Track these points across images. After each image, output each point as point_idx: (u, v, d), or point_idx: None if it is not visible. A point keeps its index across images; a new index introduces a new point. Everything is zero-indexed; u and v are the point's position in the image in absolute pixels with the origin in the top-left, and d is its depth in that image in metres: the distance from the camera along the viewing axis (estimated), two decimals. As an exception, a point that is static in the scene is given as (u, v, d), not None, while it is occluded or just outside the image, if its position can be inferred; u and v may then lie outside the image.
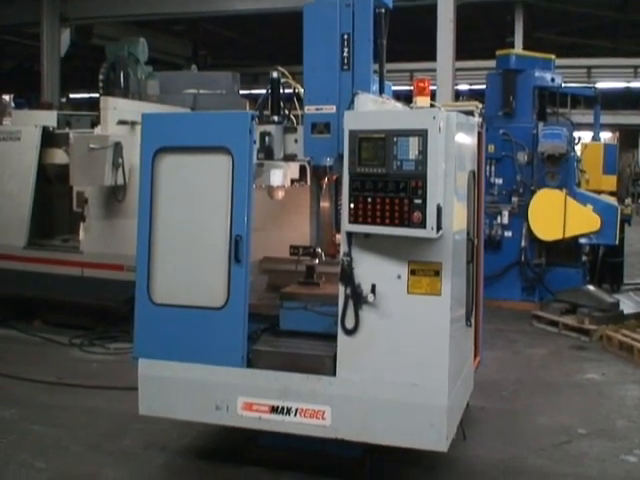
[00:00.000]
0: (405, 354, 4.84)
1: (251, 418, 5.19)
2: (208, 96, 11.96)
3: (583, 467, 5.82)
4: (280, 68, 5.67)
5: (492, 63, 12.67)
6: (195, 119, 5.69)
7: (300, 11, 5.33)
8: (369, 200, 4.74)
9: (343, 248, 4.95)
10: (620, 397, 7.47)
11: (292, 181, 5.80)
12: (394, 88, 6.81)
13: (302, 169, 5.92)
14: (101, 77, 13.41)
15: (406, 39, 20.53)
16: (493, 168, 11.47)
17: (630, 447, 6.14)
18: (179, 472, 5.76)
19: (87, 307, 9.65)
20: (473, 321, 5.93)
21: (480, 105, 10.75)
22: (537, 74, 11.75)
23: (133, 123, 9.11)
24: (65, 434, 6.38)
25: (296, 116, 5.70)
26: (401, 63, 20.98)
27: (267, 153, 5.40)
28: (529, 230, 11.25)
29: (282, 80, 5.66)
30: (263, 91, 5.74)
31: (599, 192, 12.11)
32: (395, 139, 4.68)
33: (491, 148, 11.08)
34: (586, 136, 14.98)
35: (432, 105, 5.26)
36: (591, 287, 10.74)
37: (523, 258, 11.33)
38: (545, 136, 11.21)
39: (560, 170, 11.22)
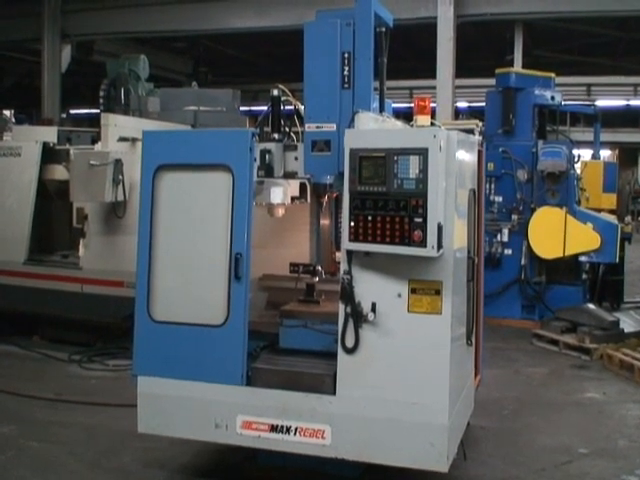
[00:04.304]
0: (405, 373, 4.83)
1: (250, 437, 5.17)
2: (208, 113, 11.98)
3: (584, 487, 5.80)
4: (280, 86, 5.69)
5: (492, 81, 12.69)
6: (196, 136, 5.71)
7: (301, 29, 5.36)
8: (369, 218, 4.75)
9: (343, 266, 4.95)
10: (621, 416, 7.43)
11: (292, 199, 5.81)
12: (394, 105, 6.83)
13: (302, 187, 5.94)
14: (102, 94, 13.48)
15: (406, 57, 20.62)
16: (493, 186, 11.48)
17: (631, 467, 6.09)
18: (178, 491, 5.74)
19: (86, 323, 9.64)
20: (473, 340, 5.92)
21: (480, 123, 10.80)
22: (537, 92, 11.77)
23: (134, 140, 9.11)
24: (64, 451, 6.35)
25: (296, 134, 5.72)
26: (401, 81, 21.02)
27: (267, 171, 5.41)
28: (529, 248, 11.24)
29: (282, 98, 5.67)
30: (263, 108, 5.76)
31: (599, 210, 12.11)
32: (396, 157, 4.69)
33: (491, 166, 11.08)
34: (586, 154, 14.99)
35: (432, 124, 5.27)
36: (591, 305, 10.71)
37: (523, 276, 11.31)
38: (545, 154, 11.22)
39: (560, 188, 11.22)
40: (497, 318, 10.91)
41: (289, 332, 5.46)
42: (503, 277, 11.38)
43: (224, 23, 17.06)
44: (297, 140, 5.68)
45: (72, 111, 27.11)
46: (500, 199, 11.55)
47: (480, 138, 6.66)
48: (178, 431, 5.45)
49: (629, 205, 29.16)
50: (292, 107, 5.79)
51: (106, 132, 9.32)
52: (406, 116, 7.18)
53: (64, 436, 6.70)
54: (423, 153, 4.62)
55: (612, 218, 11.67)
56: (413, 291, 4.81)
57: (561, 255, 10.97)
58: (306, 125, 5.33)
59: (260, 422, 5.13)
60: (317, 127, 5.28)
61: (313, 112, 5.31)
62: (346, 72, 5.26)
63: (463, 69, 15.87)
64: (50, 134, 10.55)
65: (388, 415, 4.86)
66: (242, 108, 14.76)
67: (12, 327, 10.15)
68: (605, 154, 25.32)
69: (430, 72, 15.04)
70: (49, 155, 10.11)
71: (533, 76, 12.24)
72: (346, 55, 5.25)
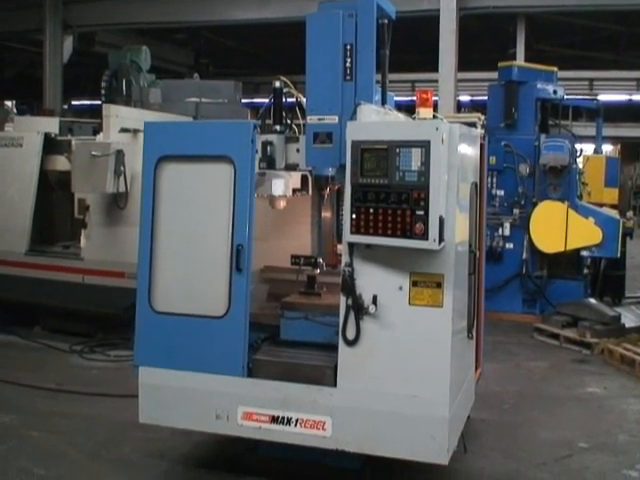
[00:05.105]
0: (406, 365, 4.83)
1: (251, 428, 5.17)
2: (210, 105, 11.96)
3: (584, 481, 5.80)
4: (282, 77, 5.67)
5: (494, 74, 12.67)
6: (197, 128, 5.70)
7: (302, 21, 5.34)
8: (371, 211, 4.74)
9: (344, 258, 4.94)
10: (621, 411, 7.44)
11: (294, 191, 5.80)
12: (396, 99, 6.81)
13: (304, 179, 5.93)
14: (103, 85, 13.46)
15: (408, 50, 20.58)
16: (495, 180, 11.47)
17: (632, 462, 6.10)
18: (178, 481, 5.75)
19: (88, 314, 9.65)
20: (474, 333, 5.92)
21: (482, 116, 10.78)
22: (539, 86, 11.75)
23: (135, 131, 9.11)
24: (65, 441, 6.37)
25: (298, 126, 5.70)
26: (403, 74, 20.99)
27: (269, 162, 5.40)
28: (530, 242, 11.24)
29: (284, 89, 5.66)
30: (265, 100, 5.74)
31: (600, 205, 12.10)
32: (398, 150, 4.67)
33: (493, 160, 11.06)
34: (588, 148, 14.97)
35: (435, 116, 5.26)
36: (592, 300, 10.70)
37: (524, 270, 11.31)
38: (547, 148, 11.20)
39: (562, 182, 11.21)
40: (498, 312, 10.90)
41: (290, 324, 5.47)
42: (504, 271, 11.38)
43: (225, 15, 17.04)
44: (299, 132, 5.67)
45: (74, 102, 27.08)
46: (502, 193, 11.54)
47: (482, 131, 6.64)
48: (179, 422, 5.45)
49: (631, 200, 29.16)
50: (294, 99, 5.78)
51: (108, 123, 9.31)
52: (408, 109, 7.17)
53: (65, 426, 6.71)
54: (425, 146, 4.61)
55: (614, 213, 11.67)
56: (414, 284, 4.81)
57: (562, 249, 10.96)
58: (308, 117, 5.31)
59: (261, 413, 5.13)
60: (319, 119, 5.26)
61: (315, 104, 5.28)
62: (348, 64, 5.23)
63: (465, 62, 15.82)
64: (52, 125, 10.55)
65: (389, 407, 4.86)
66: (244, 100, 14.75)
67: (13, 317, 10.17)
68: (607, 149, 25.24)
69: (432, 65, 15.00)
70: (51, 146, 10.12)
71: (535, 70, 12.22)
72: (348, 47, 5.22)
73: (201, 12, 17.03)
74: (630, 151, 30.28)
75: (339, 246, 5.75)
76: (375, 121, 5.11)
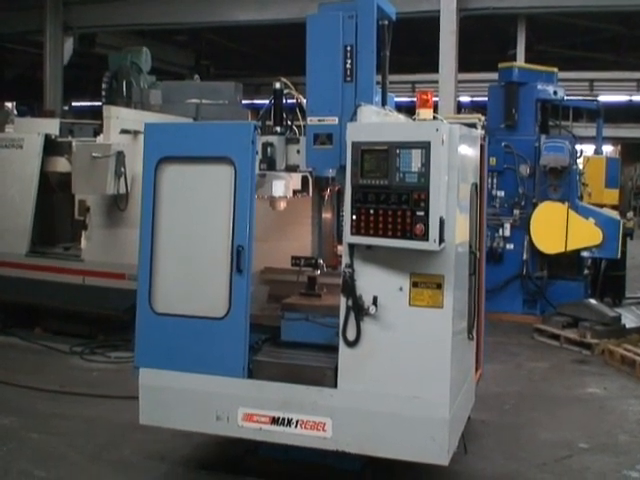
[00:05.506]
0: (407, 366, 4.83)
1: (252, 429, 5.17)
2: (210, 106, 11.98)
3: (585, 482, 5.80)
4: (283, 79, 5.67)
5: (494, 75, 12.68)
6: (198, 129, 5.70)
7: (303, 22, 5.34)
8: (371, 212, 4.74)
9: (345, 259, 4.94)
10: (622, 412, 7.44)
11: (294, 192, 5.79)
12: (396, 100, 6.80)
13: (304, 180, 5.92)
14: (104, 86, 13.45)
15: (408, 51, 20.59)
16: (495, 180, 11.47)
17: (632, 463, 6.10)
18: (178, 483, 5.75)
19: (88, 315, 9.65)
20: (475, 334, 5.91)
21: (483, 117, 10.79)
22: (539, 87, 11.76)
23: (136, 132, 9.12)
24: (65, 443, 6.36)
25: (298, 127, 5.70)
26: (403, 75, 20.99)
27: (269, 164, 5.39)
28: (531, 243, 11.24)
29: (285, 91, 5.66)
30: (265, 101, 5.74)
31: (601, 205, 12.09)
32: (398, 151, 4.67)
33: (493, 161, 11.06)
34: (588, 149, 14.96)
35: (435, 117, 5.26)
36: (593, 301, 10.71)
37: (525, 271, 11.32)
38: (547, 149, 11.21)
39: (562, 183, 11.21)
40: (498, 313, 10.90)
41: (291, 325, 5.47)
42: (505, 272, 11.38)
43: (226, 16, 17.04)
44: (299, 133, 5.66)
45: (74, 103, 27.07)
46: (502, 194, 11.55)
47: (482, 132, 6.64)
48: (179, 423, 5.45)
49: (631, 201, 29.16)
50: (294, 100, 5.78)
51: (108, 124, 9.33)
52: (408, 110, 7.17)
53: (65, 428, 6.71)
54: (425, 147, 4.61)
55: (614, 214, 11.67)
56: (415, 285, 4.81)
57: (563, 250, 10.96)
58: (308, 118, 5.30)
59: (261, 414, 5.13)
60: (319, 120, 5.25)
61: (315, 105, 5.28)
62: (348, 65, 5.22)
63: (466, 63, 15.83)
64: (52, 126, 10.55)
65: (389, 409, 4.86)
66: (244, 101, 14.75)
67: (14, 319, 10.17)
68: (607, 150, 25.21)
69: (433, 66, 14.99)
70: (51, 147, 10.12)
71: (536, 71, 12.22)
72: (348, 48, 5.22)
73: (202, 13, 17.04)
74: (630, 152, 30.25)
75: (339, 247, 5.75)
76: (375, 122, 5.11)
